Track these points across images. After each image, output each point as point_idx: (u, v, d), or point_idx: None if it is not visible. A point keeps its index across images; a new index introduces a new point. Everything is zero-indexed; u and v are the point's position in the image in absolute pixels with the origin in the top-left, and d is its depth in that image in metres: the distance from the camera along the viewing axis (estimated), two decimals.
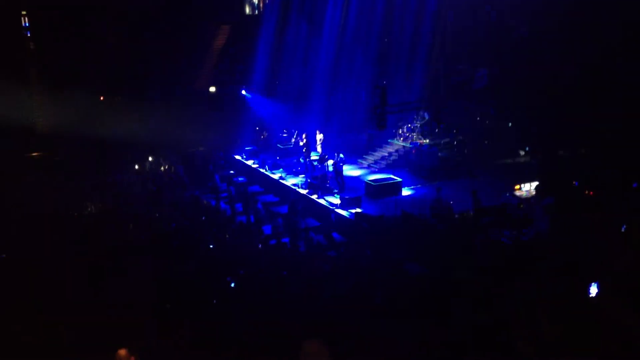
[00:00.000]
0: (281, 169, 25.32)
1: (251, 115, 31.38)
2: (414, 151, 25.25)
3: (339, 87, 29.75)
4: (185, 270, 12.76)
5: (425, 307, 9.48)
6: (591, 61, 18.67)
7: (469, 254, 14.19)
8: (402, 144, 26.05)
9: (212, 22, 31.51)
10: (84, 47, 27.56)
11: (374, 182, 21.96)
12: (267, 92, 31.47)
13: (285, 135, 29.08)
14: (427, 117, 25.22)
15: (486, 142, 24.58)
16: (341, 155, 22.62)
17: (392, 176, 22.79)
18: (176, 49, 29.55)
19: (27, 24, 29.07)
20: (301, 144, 26.42)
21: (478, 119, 25.36)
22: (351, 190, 22.04)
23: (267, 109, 31.25)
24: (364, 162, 26.50)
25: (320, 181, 22.26)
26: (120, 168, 26.55)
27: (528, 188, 20.04)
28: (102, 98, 29.82)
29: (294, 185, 23.26)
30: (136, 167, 27.58)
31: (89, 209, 20.10)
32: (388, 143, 26.73)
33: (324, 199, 21.14)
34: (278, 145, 28.62)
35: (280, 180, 24.50)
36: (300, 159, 25.63)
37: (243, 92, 32.05)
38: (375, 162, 26.11)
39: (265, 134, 30.55)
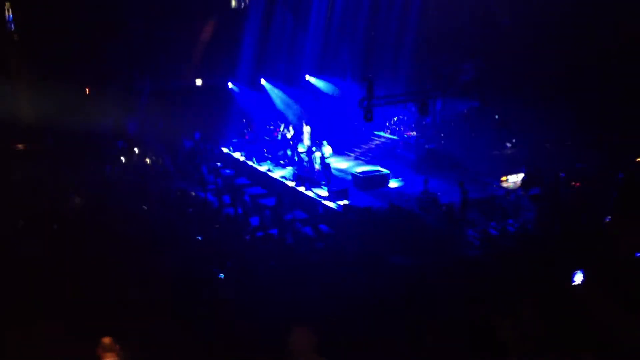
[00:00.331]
0: (268, 161, 25.27)
1: (238, 108, 31.29)
2: (401, 143, 25.31)
3: (326, 79, 29.68)
4: (172, 262, 12.72)
5: (411, 298, 9.51)
6: (577, 51, 18.73)
7: (455, 245, 14.26)
8: (389, 136, 26.09)
9: (199, 15, 31.34)
10: (69, 39, 27.31)
11: (362, 174, 21.99)
12: (254, 85, 31.38)
13: (272, 127, 29.03)
14: (413, 110, 25.25)
15: (473, 134, 24.67)
16: (328, 148, 22.58)
17: (379, 168, 22.83)
18: (162, 41, 29.36)
19: (10, 17, 28.77)
20: (288, 136, 26.40)
21: (465, 111, 25.42)
22: (339, 182, 22.06)
23: (255, 101, 31.17)
24: (351, 154, 26.52)
25: (308, 173, 22.25)
26: (106, 160, 26.36)
27: (515, 179, 20.13)
28: (87, 90, 29.59)
29: (282, 177, 23.23)
30: (122, 159, 27.40)
31: (75, 201, 19.93)
32: (375, 135, 26.76)
33: (312, 191, 21.13)
34: (265, 137, 28.58)
35: (268, 173, 24.47)
36: (288, 151, 25.59)
37: (229, 84, 31.93)
38: (363, 154, 26.14)
39: (252, 126, 30.48)
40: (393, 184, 22.17)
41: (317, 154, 23.73)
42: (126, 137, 28.41)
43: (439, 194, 18.94)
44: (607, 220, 12.49)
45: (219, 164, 27.78)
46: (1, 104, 25.19)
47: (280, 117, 28.57)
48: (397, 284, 10.89)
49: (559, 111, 19.46)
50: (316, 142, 25.08)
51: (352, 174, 22.54)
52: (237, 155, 27.75)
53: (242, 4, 32.55)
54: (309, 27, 28.95)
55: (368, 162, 25.01)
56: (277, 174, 23.95)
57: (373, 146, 26.34)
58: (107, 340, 6.84)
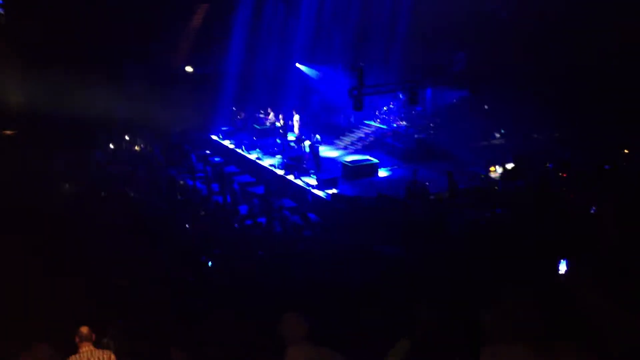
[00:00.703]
0: (258, 150, 25.27)
1: (228, 96, 31.17)
2: (390, 133, 25.34)
3: (317, 67, 29.63)
4: (160, 249, 12.74)
5: (399, 287, 9.58)
6: (569, 43, 18.81)
7: (444, 234, 14.32)
8: (379, 125, 26.11)
9: (190, 1, 31.16)
10: (59, 24, 27.09)
11: (351, 163, 22.02)
12: (244, 72, 31.25)
13: (262, 115, 28.98)
14: (404, 99, 25.28)
15: (462, 124, 24.73)
16: (318, 137, 22.63)
17: (369, 157, 22.86)
18: (153, 27, 29.18)
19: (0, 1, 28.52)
20: (278, 124, 26.38)
21: (455, 101, 25.48)
22: (328, 171, 22.08)
23: (244, 89, 31.06)
24: (340, 143, 26.53)
25: (297, 162, 22.26)
26: (95, 147, 26.26)
27: (503, 169, 20.22)
28: (76, 76, 29.38)
29: (271, 165, 23.23)
30: (112, 146, 27.31)
31: (64, 187, 19.87)
32: (365, 124, 26.78)
33: (301, 179, 21.15)
34: (255, 125, 28.52)
35: (257, 161, 24.46)
36: (277, 140, 25.58)
37: (220, 71, 31.81)
38: (352, 143, 26.16)
39: (242, 114, 30.40)
40: (382, 173, 22.22)
41: (307, 143, 23.72)
42: (115, 123, 28.27)
43: (428, 183, 19.00)
44: (593, 211, 12.59)
45: (208, 151, 27.74)
46: None
47: (270, 105, 28.49)
48: (385, 273, 10.96)
49: (549, 103, 19.55)
50: (306, 130, 25.08)
51: (341, 163, 22.56)
52: (226, 143, 27.71)
53: None
54: (300, 15, 28.85)
55: (357, 152, 25.04)
56: (267, 162, 23.95)
57: (362, 135, 26.36)
58: (84, 329, 6.81)
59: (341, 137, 26.84)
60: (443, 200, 17.81)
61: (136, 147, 27.76)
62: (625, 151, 17.99)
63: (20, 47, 27.00)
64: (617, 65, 17.67)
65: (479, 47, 23.12)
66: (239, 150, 26.07)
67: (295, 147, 24.30)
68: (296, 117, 26.36)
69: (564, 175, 17.77)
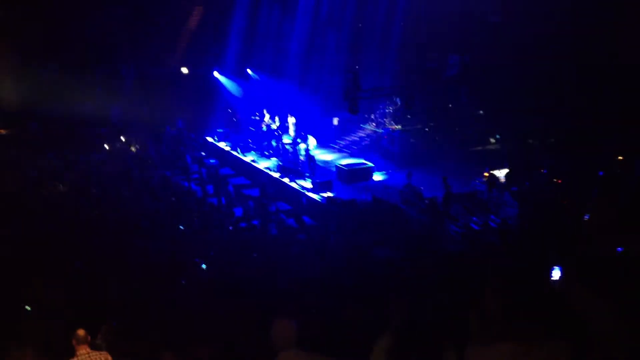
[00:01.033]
0: (253, 152, 25.23)
1: (223, 97, 31.17)
2: (385, 136, 25.37)
3: (312, 70, 29.64)
4: (154, 251, 12.71)
5: (391, 290, 9.58)
6: (563, 49, 18.86)
7: (437, 239, 14.35)
8: (374, 129, 26.14)
9: (186, 2, 31.15)
10: (54, 23, 27.04)
11: (346, 167, 22.04)
12: (240, 74, 31.26)
13: (257, 118, 28.97)
14: (399, 103, 25.31)
15: (457, 129, 24.78)
16: (313, 140, 22.62)
17: (363, 161, 22.89)
18: (149, 28, 29.17)
19: None
20: (273, 127, 26.36)
21: (450, 105, 25.51)
22: (323, 174, 22.09)
23: (240, 91, 31.06)
24: (336, 146, 26.55)
25: (292, 165, 22.26)
26: (90, 147, 26.21)
27: (498, 175, 20.25)
28: (71, 75, 29.32)
29: (266, 168, 23.22)
30: (106, 146, 27.26)
31: (59, 187, 19.84)
32: (360, 128, 26.81)
33: (296, 182, 21.15)
34: (250, 127, 28.51)
35: (252, 163, 24.44)
36: (272, 142, 25.57)
37: (215, 73, 31.80)
38: (347, 146, 26.18)
39: (238, 116, 30.39)
40: (377, 177, 22.25)
41: (302, 146, 23.72)
42: (110, 124, 28.25)
43: (422, 188, 19.03)
44: (586, 218, 12.63)
45: (203, 153, 27.70)
46: None
47: (266, 108, 28.48)
48: (379, 277, 10.96)
49: (543, 108, 19.60)
50: (301, 133, 25.08)
51: (336, 166, 22.58)
52: (221, 145, 27.68)
53: None
54: (296, 18, 28.87)
55: (352, 155, 25.07)
56: (262, 164, 23.93)
57: (357, 139, 26.39)
58: (81, 332, 6.87)
59: (336, 140, 26.86)
60: (437, 205, 17.83)
61: (131, 148, 27.71)
62: (620, 158, 18.03)
63: (16, 46, 26.93)
64: (612, 70, 17.71)
65: (473, 51, 23.16)
66: (234, 153, 26.05)
67: (291, 149, 24.30)
68: (292, 120, 26.35)
69: (559, 181, 17.82)
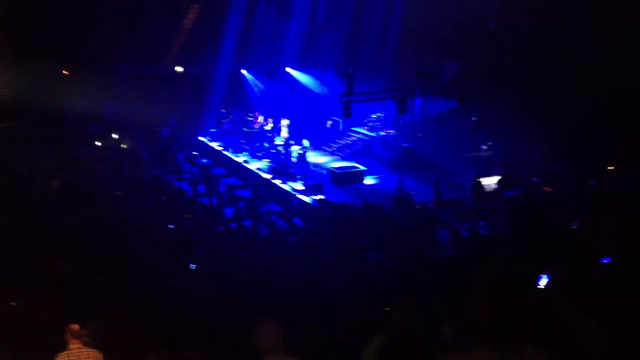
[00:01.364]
0: (245, 153, 25.23)
1: (217, 97, 31.10)
2: (378, 140, 25.40)
3: (307, 72, 29.64)
4: (143, 249, 12.68)
5: (381, 295, 9.59)
6: (559, 55, 18.93)
7: (427, 244, 14.37)
8: (367, 132, 26.16)
9: (181, 1, 31.10)
10: (49, 20, 26.95)
11: (338, 170, 22.07)
12: (235, 74, 31.21)
13: (251, 119, 28.94)
14: (393, 107, 25.31)
15: (450, 134, 24.82)
16: (306, 142, 22.66)
17: (356, 164, 22.90)
18: (144, 26, 29.10)
19: None
20: (266, 128, 26.36)
21: (444, 111, 25.56)
22: (315, 176, 22.10)
23: (234, 91, 31.01)
24: (328, 149, 26.56)
25: (284, 166, 22.27)
26: (82, 144, 26.11)
27: (489, 182, 20.31)
28: (65, 72, 29.23)
29: (258, 169, 23.21)
30: (98, 143, 27.16)
31: (50, 184, 19.76)
32: (353, 131, 26.82)
33: (287, 184, 21.15)
34: (243, 128, 28.47)
35: (244, 164, 24.42)
36: (265, 144, 25.56)
37: (210, 73, 31.74)
38: (340, 149, 26.19)
39: (231, 116, 30.35)
40: (369, 181, 22.27)
41: (295, 148, 23.74)
42: (102, 121, 28.15)
43: (414, 193, 19.06)
44: (574, 227, 12.68)
45: (195, 152, 27.66)
46: None
47: (260, 109, 28.47)
48: (368, 281, 10.97)
49: (537, 116, 19.66)
50: (294, 135, 25.09)
51: (328, 169, 22.59)
52: (214, 144, 27.65)
53: None
54: (292, 19, 28.88)
55: (345, 158, 25.07)
56: (254, 165, 23.92)
57: (350, 142, 26.40)
58: (75, 326, 6.86)
59: (329, 143, 26.87)
60: (427, 210, 17.87)
61: (122, 145, 27.62)
62: (611, 168, 18.12)
63: (10, 41, 26.83)
64: (610, 79, 17.78)
65: (468, 56, 23.22)
66: (227, 153, 26.02)
67: (283, 151, 24.30)
68: (285, 122, 26.35)
69: (549, 189, 17.88)
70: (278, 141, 25.32)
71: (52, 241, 12.33)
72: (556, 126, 19.62)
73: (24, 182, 19.44)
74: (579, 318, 3.50)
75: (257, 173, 22.97)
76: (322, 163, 24.58)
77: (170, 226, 15.53)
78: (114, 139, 27.96)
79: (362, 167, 22.49)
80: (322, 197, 19.75)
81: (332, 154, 26.11)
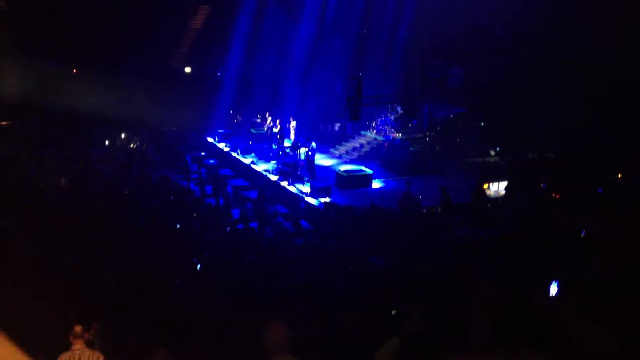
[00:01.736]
0: (253, 154, 25.26)
1: (225, 98, 31.16)
2: (386, 144, 25.40)
3: (315, 75, 29.67)
4: (150, 249, 12.71)
5: (386, 299, 9.58)
6: (566, 63, 18.90)
7: (434, 249, 14.34)
8: (374, 136, 26.15)
9: (191, 2, 31.20)
10: (60, 18, 27.07)
11: (345, 173, 22.05)
12: (243, 76, 31.26)
13: (258, 120, 28.98)
14: (400, 111, 25.32)
15: (458, 139, 24.80)
16: (313, 144, 22.67)
17: (363, 168, 22.89)
18: (154, 25, 29.21)
19: None
20: (274, 130, 26.38)
21: (451, 116, 25.56)
22: (322, 179, 22.09)
23: (242, 93, 31.05)
24: (335, 152, 26.56)
25: (292, 168, 22.27)
26: (90, 142, 26.20)
27: (496, 188, 20.27)
28: (75, 70, 29.36)
29: (265, 171, 23.23)
30: (106, 142, 27.24)
31: (57, 182, 19.83)
32: (361, 135, 26.82)
33: (294, 186, 21.16)
34: (251, 130, 28.52)
35: (251, 165, 24.45)
36: (273, 145, 25.57)
37: (218, 74, 31.82)
38: (347, 152, 26.20)
39: (239, 117, 30.40)
40: (375, 184, 22.24)
41: (302, 150, 23.75)
42: (111, 121, 28.21)
43: (421, 197, 19.02)
44: (583, 234, 12.63)
45: (203, 153, 27.70)
46: None
47: (268, 110, 28.49)
48: (374, 284, 10.96)
49: (544, 123, 19.64)
50: (302, 137, 25.10)
51: (335, 172, 22.58)
52: (222, 145, 27.68)
53: None
54: (301, 22, 28.92)
55: (352, 161, 25.06)
56: (261, 167, 23.94)
57: (357, 145, 26.38)
58: (78, 327, 6.93)
59: (336, 146, 26.87)
60: (435, 215, 17.84)
61: (131, 145, 27.69)
62: (619, 175, 18.07)
63: (20, 39, 26.95)
64: (617, 86, 17.74)
65: (475, 63, 23.21)
66: (234, 154, 26.05)
67: (291, 153, 24.30)
68: (293, 124, 26.37)
69: (557, 196, 17.83)
70: (286, 143, 25.33)
71: (59, 239, 12.36)
72: (564, 132, 19.58)
73: (32, 181, 19.51)
74: (588, 326, 3.48)
75: (264, 175, 22.98)
76: (330, 166, 24.57)
77: (177, 226, 15.55)
78: (122, 138, 28.05)
79: (369, 171, 22.47)
80: (328, 199, 19.74)
81: (339, 156, 26.10)
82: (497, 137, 22.97)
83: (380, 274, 12.32)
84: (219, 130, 28.85)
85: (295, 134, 26.00)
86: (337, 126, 28.20)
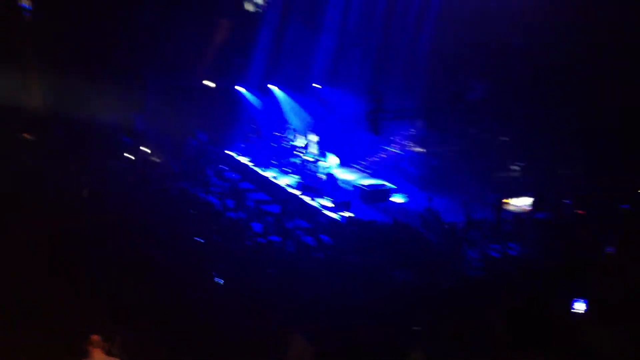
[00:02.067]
0: (274, 168, 25.26)
1: (247, 112, 31.26)
2: (407, 158, 25.29)
3: (336, 89, 29.67)
4: (170, 261, 12.73)
5: (409, 313, 9.49)
6: (591, 79, 18.72)
7: (456, 264, 14.24)
8: (395, 150, 26.06)
9: (213, 15, 31.39)
10: (81, 30, 27.35)
11: (367, 187, 21.98)
12: (264, 90, 31.35)
13: (279, 134, 29.02)
14: (421, 126, 25.21)
15: (479, 153, 24.59)
16: (335, 158, 22.64)
17: (384, 182, 22.79)
18: (176, 39, 29.42)
19: (27, 5, 28.80)
20: (295, 144, 26.38)
21: (474, 130, 25.37)
22: (343, 193, 22.03)
23: (263, 106, 31.14)
24: (357, 166, 26.50)
25: (313, 183, 22.24)
26: (112, 154, 26.37)
27: (519, 203, 20.06)
28: (98, 83, 29.60)
29: (286, 185, 23.21)
30: (127, 154, 27.40)
31: (79, 192, 19.96)
32: (382, 149, 26.73)
33: (315, 200, 21.11)
34: (272, 143, 28.54)
35: (273, 180, 24.44)
36: (294, 160, 25.57)
37: (239, 87, 31.94)
38: (368, 166, 26.12)
39: (260, 131, 30.45)
40: (397, 199, 22.13)
41: (323, 164, 23.70)
42: (132, 132, 28.39)
43: (443, 212, 18.89)
44: (608, 251, 12.46)
45: (224, 166, 27.75)
46: (10, 91, 25.24)
47: (289, 124, 28.51)
48: (395, 299, 10.88)
49: (568, 137, 19.44)
50: (323, 151, 25.07)
51: (356, 187, 22.49)
52: (242, 159, 27.72)
53: (258, 8, 32.60)
54: (322, 37, 28.99)
55: (373, 175, 24.97)
56: (282, 181, 23.92)
57: (379, 159, 26.30)
58: (96, 337, 6.99)
59: (357, 160, 26.81)
60: (457, 230, 17.68)
61: (152, 158, 27.82)
62: None
63: (42, 51, 27.25)
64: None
65: (499, 76, 23.06)
66: (255, 168, 26.07)
67: (312, 167, 24.29)
68: (314, 138, 26.37)
69: (582, 212, 17.60)
70: (307, 157, 25.30)
71: (77, 250, 12.43)
72: (588, 147, 19.36)
73: (55, 192, 19.65)
74: (609, 347, 3.43)
75: (285, 189, 22.96)
76: (351, 180, 24.49)
77: (197, 239, 15.57)
78: (143, 150, 28.22)
79: (390, 185, 22.37)
80: (350, 214, 19.66)
81: (360, 170, 26.03)
82: (520, 152, 22.75)
83: (402, 288, 12.24)
84: (240, 144, 28.91)
85: (317, 148, 25.98)
86: (358, 140, 28.12)
